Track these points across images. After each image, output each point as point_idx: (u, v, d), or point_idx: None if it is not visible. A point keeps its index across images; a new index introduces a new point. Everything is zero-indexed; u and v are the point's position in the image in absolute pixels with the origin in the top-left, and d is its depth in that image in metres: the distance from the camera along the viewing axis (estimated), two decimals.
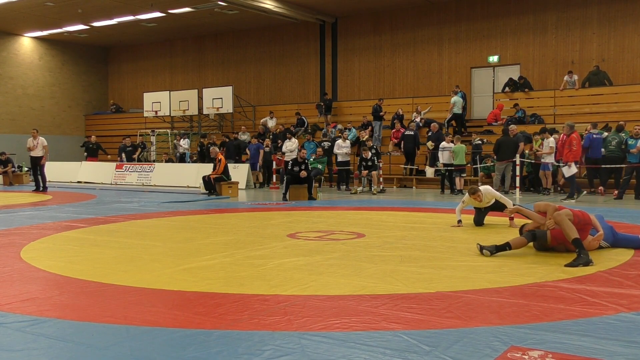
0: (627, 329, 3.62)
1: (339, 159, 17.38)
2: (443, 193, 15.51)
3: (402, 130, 20.03)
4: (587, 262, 5.52)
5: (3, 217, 10.17)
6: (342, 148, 17.28)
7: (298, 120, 23.08)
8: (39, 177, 16.95)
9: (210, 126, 27.03)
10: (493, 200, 8.58)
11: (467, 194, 8.61)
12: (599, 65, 19.33)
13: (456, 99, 19.57)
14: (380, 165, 16.89)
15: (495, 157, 15.59)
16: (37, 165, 17.01)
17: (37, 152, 16.90)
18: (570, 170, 13.14)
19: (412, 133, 18.37)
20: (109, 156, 24.25)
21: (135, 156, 22.69)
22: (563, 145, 13.56)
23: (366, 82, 24.57)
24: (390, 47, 23.94)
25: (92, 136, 24.71)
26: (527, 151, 15.65)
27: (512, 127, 15.81)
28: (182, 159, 22.56)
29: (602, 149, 14.62)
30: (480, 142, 17.87)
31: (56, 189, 18.04)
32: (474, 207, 8.70)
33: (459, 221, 8.56)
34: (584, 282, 4.89)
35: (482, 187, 8.70)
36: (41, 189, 16.88)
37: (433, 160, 17.89)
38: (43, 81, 30.05)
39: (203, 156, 20.77)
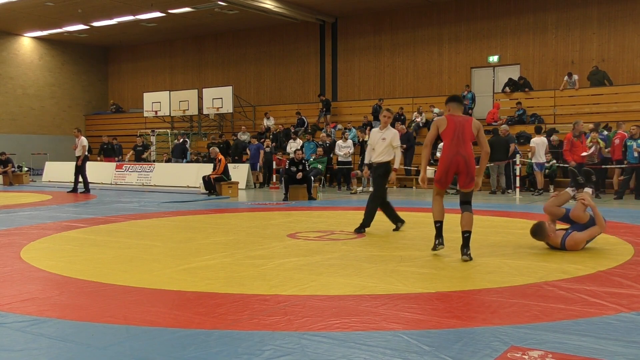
0: (627, 329, 3.62)
1: (340, 159, 17.39)
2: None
3: (404, 130, 20.04)
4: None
5: (3, 217, 10.17)
6: (342, 148, 17.29)
7: (298, 120, 23.08)
8: (80, 178, 16.31)
9: (210, 126, 27.05)
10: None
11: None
12: (597, 66, 19.33)
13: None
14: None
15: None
16: (76, 166, 16.36)
17: (77, 152, 16.30)
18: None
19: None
20: (117, 158, 23.91)
21: (145, 155, 22.72)
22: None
23: (366, 82, 24.57)
24: (390, 47, 23.95)
25: (116, 138, 24.53)
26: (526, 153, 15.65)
27: (504, 127, 15.85)
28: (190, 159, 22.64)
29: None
30: None
31: (56, 189, 18.04)
32: None
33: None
34: (584, 282, 4.89)
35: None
36: (82, 190, 16.28)
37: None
38: (43, 81, 30.05)
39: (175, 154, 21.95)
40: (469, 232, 5.99)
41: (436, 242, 6.26)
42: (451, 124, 6.17)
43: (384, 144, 7.97)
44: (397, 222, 8.27)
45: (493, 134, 15.73)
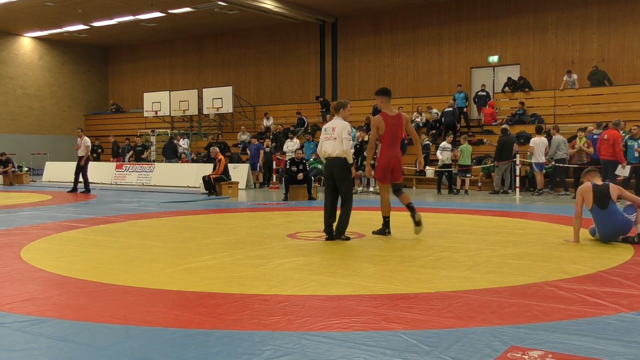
0: (627, 329, 3.62)
1: None
2: (439, 193, 15.53)
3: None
4: None
5: (3, 217, 10.17)
6: None
7: (298, 120, 23.08)
8: (81, 178, 16.26)
9: (210, 126, 27.05)
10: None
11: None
12: (597, 66, 19.34)
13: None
14: None
15: (497, 157, 15.55)
16: (78, 166, 16.33)
17: (80, 152, 16.26)
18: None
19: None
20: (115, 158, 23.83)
21: (145, 155, 22.68)
22: None
23: (366, 82, 24.57)
24: (390, 47, 23.95)
25: (128, 138, 24.09)
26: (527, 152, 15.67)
27: (505, 127, 15.98)
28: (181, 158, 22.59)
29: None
30: (428, 142, 18.09)
31: (56, 189, 18.04)
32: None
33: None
34: (584, 282, 4.89)
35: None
36: (82, 190, 16.23)
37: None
38: (43, 81, 30.05)
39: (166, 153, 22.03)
40: (411, 202, 7.43)
41: (386, 231, 7.56)
42: (388, 128, 7.31)
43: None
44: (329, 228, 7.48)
45: (502, 133, 15.76)
